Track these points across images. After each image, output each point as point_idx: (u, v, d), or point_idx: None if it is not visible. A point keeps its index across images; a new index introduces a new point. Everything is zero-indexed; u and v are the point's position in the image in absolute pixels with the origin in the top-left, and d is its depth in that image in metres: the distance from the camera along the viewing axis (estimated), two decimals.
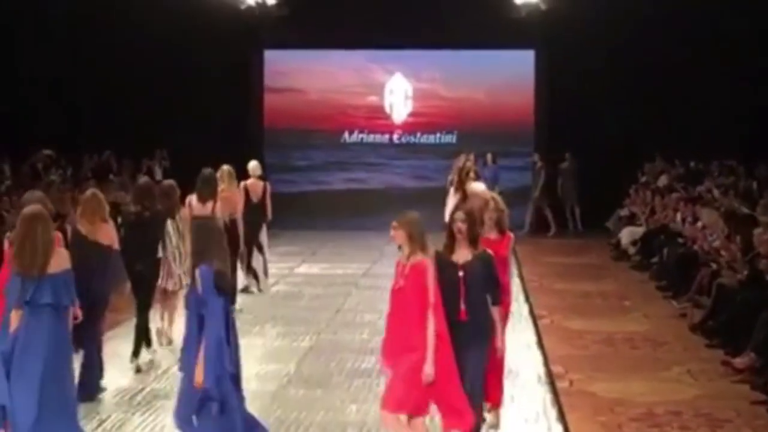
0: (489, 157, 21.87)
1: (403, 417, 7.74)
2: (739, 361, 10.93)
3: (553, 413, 9.73)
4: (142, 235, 11.21)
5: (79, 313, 9.34)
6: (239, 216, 14.16)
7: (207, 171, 13.62)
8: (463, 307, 7.98)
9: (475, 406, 8.10)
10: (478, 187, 10.58)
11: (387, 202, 24.02)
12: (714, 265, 14.11)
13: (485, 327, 8.09)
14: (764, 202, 15.81)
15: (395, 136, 25.34)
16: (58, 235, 9.25)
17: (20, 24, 23.58)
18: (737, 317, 11.82)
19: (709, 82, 22.78)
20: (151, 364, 11.36)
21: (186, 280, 12.06)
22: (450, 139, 25.02)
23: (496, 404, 9.18)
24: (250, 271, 15.73)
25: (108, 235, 10.07)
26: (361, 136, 25.39)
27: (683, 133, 22.74)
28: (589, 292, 16.25)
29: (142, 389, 10.43)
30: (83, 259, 9.66)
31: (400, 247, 7.87)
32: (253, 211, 15.16)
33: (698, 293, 14.13)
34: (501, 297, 8.29)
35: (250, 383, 10.69)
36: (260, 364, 11.53)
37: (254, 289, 15.77)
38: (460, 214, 8.22)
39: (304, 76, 25.32)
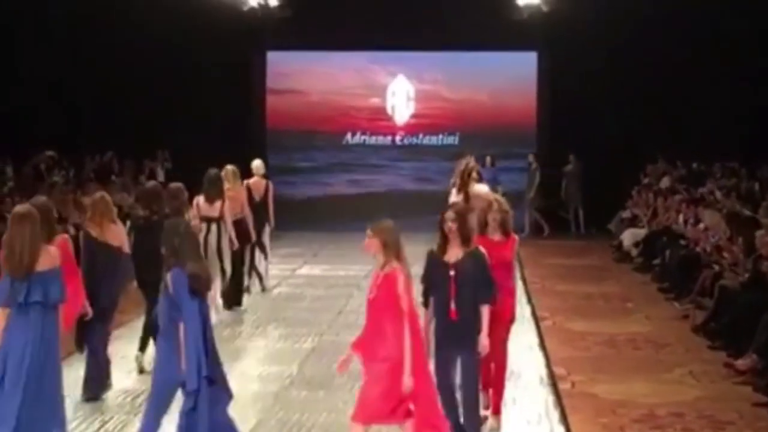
0: (488, 159, 21.81)
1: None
2: (741, 363, 10.92)
3: (555, 415, 9.73)
4: (150, 239, 11.07)
5: (89, 310, 9.43)
6: (247, 213, 14.46)
7: (213, 171, 13.82)
8: (453, 306, 7.96)
9: (470, 410, 8.07)
10: (481, 188, 10.53)
11: (389, 203, 24.01)
12: (716, 267, 14.10)
13: (475, 328, 8.03)
14: (766, 204, 15.80)
15: (397, 138, 25.34)
16: (65, 236, 9.32)
17: (21, 24, 23.57)
18: (739, 319, 11.81)
19: (711, 83, 22.78)
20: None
21: None
22: (452, 140, 25.02)
23: (497, 410, 9.16)
24: (252, 270, 15.79)
25: (117, 236, 10.18)
26: (363, 137, 25.39)
27: (685, 135, 22.74)
28: (591, 293, 16.24)
29: (145, 391, 10.40)
30: (93, 261, 9.92)
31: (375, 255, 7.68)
32: (256, 211, 15.21)
33: (700, 295, 14.12)
34: (495, 296, 8.18)
35: (252, 384, 10.75)
36: (262, 366, 11.54)
37: (256, 288, 15.83)
38: (450, 214, 8.15)
39: (307, 77, 25.33)
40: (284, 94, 25.42)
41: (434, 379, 7.83)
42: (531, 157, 23.89)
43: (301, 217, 23.28)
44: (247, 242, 14.65)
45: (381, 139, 25.38)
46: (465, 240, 8.08)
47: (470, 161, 16.18)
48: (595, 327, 13.61)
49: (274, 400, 10.12)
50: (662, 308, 14.97)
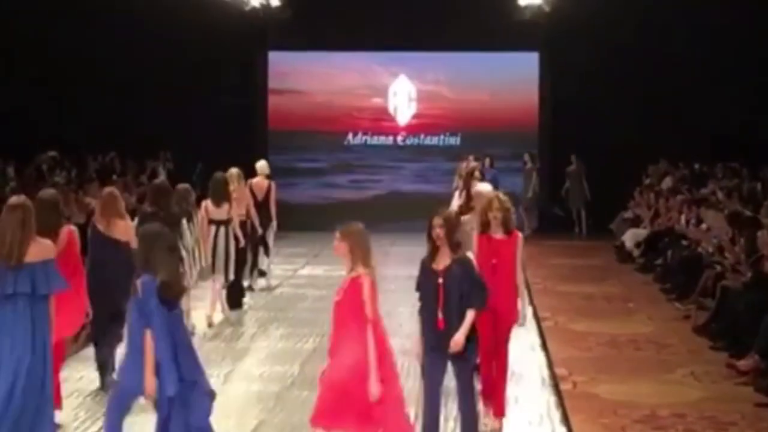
0: (487, 160, 21.70)
1: None
2: (743, 364, 10.92)
3: (556, 415, 9.73)
4: None
5: (90, 312, 9.43)
6: (252, 215, 14.81)
7: (218, 175, 14.03)
8: (440, 315, 7.81)
9: (467, 421, 8.00)
10: (483, 187, 10.47)
11: (390, 204, 24.06)
12: (718, 268, 14.09)
13: (467, 335, 7.85)
14: None
15: (399, 138, 25.35)
16: (72, 227, 9.33)
17: (21, 24, 23.55)
18: (741, 319, 11.81)
19: (712, 83, 22.78)
20: None
21: (195, 278, 12.63)
22: (454, 141, 25.02)
23: (500, 412, 9.09)
24: (255, 269, 15.88)
25: (124, 232, 10.28)
26: (365, 138, 25.39)
27: (687, 135, 22.73)
28: (593, 294, 16.24)
29: None
30: (99, 255, 10.09)
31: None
32: (258, 210, 15.37)
33: (702, 295, 14.11)
34: (484, 303, 7.98)
35: (253, 385, 10.77)
36: (264, 366, 11.55)
37: (259, 285, 15.91)
38: (437, 219, 7.94)
39: (308, 77, 25.32)
40: (286, 95, 25.43)
41: (401, 387, 7.75)
42: (527, 156, 23.83)
43: (303, 218, 23.26)
44: (251, 244, 14.90)
45: (383, 140, 25.38)
46: (453, 246, 7.89)
47: (471, 161, 16.21)
48: (596, 327, 13.61)
49: (276, 401, 10.12)
50: (664, 309, 14.96)
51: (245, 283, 15.21)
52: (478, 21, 23.22)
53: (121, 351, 11.45)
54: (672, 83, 23.03)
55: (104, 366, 10.30)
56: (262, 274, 16.35)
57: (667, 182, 21.73)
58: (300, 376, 11.10)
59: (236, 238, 13.86)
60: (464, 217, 10.25)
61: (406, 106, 25.24)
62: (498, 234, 8.91)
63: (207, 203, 13.68)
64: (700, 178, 21.44)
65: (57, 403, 9.04)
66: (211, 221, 13.56)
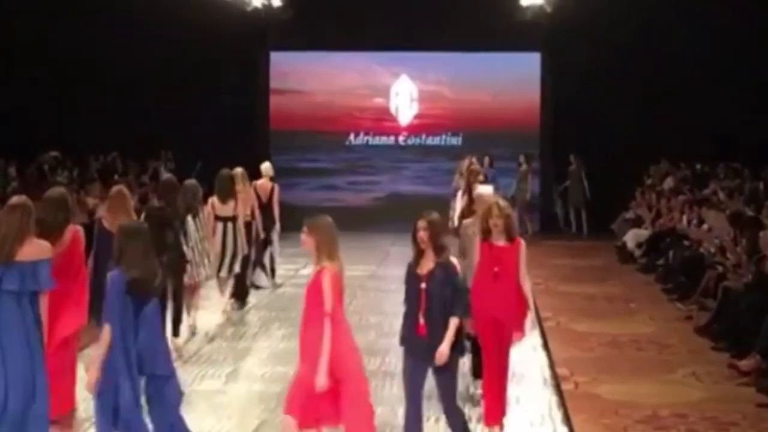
0: (486, 159, 21.59)
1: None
2: (744, 364, 10.91)
3: (558, 415, 9.73)
4: (163, 230, 11.62)
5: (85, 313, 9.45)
6: (256, 216, 14.91)
7: (224, 171, 14.19)
8: (421, 321, 7.72)
9: (456, 423, 7.93)
10: (485, 190, 10.40)
11: (392, 204, 24.05)
12: (720, 268, 14.09)
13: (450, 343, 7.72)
14: None
15: (401, 138, 25.36)
16: (77, 227, 9.43)
17: (21, 24, 23.55)
18: (743, 320, 11.81)
19: (713, 83, 22.79)
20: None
21: (204, 275, 12.76)
22: (455, 141, 25.03)
23: (498, 420, 8.93)
24: (259, 265, 15.97)
25: None
26: (366, 138, 25.40)
27: (689, 135, 22.73)
28: (595, 294, 16.24)
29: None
30: (104, 251, 10.02)
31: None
32: (262, 212, 15.47)
33: (704, 296, 14.11)
34: (466, 310, 7.86)
35: (255, 385, 10.77)
36: (266, 366, 11.55)
37: (263, 284, 15.95)
38: (422, 222, 7.82)
39: (310, 78, 25.34)
40: (287, 95, 25.44)
41: (367, 384, 7.66)
42: (522, 158, 23.74)
43: (305, 218, 23.13)
44: (254, 244, 15.05)
45: (384, 140, 25.39)
46: (437, 250, 7.77)
47: (474, 163, 16.18)
48: (598, 328, 13.60)
49: (277, 401, 10.09)
50: (666, 309, 14.96)
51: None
52: (480, 21, 23.22)
53: None
54: (672, 83, 23.04)
55: None
56: (264, 270, 16.37)
57: (668, 182, 21.72)
58: None
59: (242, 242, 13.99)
60: (466, 221, 10.21)
61: (407, 106, 25.25)
62: (500, 241, 8.78)
63: (213, 200, 13.83)
64: (702, 178, 21.43)
65: (68, 401, 9.10)
66: (217, 218, 13.72)
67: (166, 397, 7.49)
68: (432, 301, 7.70)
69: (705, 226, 16.34)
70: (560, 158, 24.08)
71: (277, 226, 16.18)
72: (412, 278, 7.85)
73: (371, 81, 25.33)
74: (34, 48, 23.53)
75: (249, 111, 24.89)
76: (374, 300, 15.24)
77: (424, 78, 25.22)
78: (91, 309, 9.52)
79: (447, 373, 7.83)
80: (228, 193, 13.86)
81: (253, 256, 15.40)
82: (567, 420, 9.52)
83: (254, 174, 15.97)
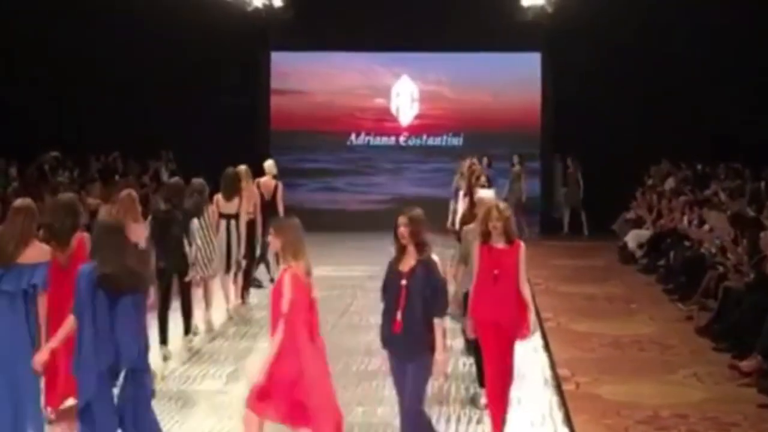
0: (485, 160, 21.47)
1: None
2: (745, 364, 10.91)
3: (559, 416, 9.73)
4: (168, 232, 11.93)
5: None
6: (257, 214, 15.00)
7: (230, 170, 14.41)
8: (398, 318, 7.68)
9: (410, 424, 7.81)
10: (485, 194, 10.38)
11: (393, 204, 24.01)
12: (721, 268, 14.08)
13: (423, 342, 7.68)
14: None
15: (402, 139, 25.35)
16: (84, 234, 9.48)
17: (21, 24, 23.53)
18: (744, 320, 11.81)
19: (713, 83, 22.78)
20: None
21: (212, 271, 13.04)
22: (456, 141, 25.03)
23: (499, 427, 8.81)
24: (262, 261, 16.20)
25: (136, 233, 10.60)
26: (367, 138, 25.40)
27: (688, 135, 22.72)
28: (596, 294, 16.23)
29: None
30: None
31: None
32: (266, 210, 15.54)
33: (705, 296, 14.11)
34: (445, 309, 7.82)
35: None
36: None
37: (266, 282, 16.09)
38: (402, 218, 7.82)
39: (311, 78, 25.33)
40: (288, 95, 25.43)
41: (330, 385, 7.67)
42: (516, 158, 23.62)
43: (305, 218, 23.05)
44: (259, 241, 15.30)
45: (385, 140, 25.39)
46: (419, 246, 7.75)
47: (475, 164, 16.16)
48: (599, 328, 13.60)
49: None
50: (667, 309, 14.95)
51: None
52: (480, 21, 23.21)
53: None
54: (672, 83, 23.03)
55: None
56: (268, 266, 16.46)
57: (669, 183, 21.71)
58: None
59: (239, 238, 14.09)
60: (467, 227, 10.16)
61: (408, 106, 25.25)
62: (499, 244, 8.70)
63: (218, 197, 14.03)
64: (703, 178, 21.42)
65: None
66: (221, 215, 13.87)
67: (141, 392, 7.52)
68: (412, 298, 7.68)
69: (706, 227, 16.33)
70: (562, 158, 24.11)
71: None
72: (393, 275, 7.83)
73: (372, 81, 25.33)
74: (34, 48, 23.51)
75: (249, 111, 24.89)
76: (374, 300, 15.08)
77: (425, 78, 25.22)
78: None
79: (419, 372, 7.74)
80: (233, 190, 14.06)
81: (258, 252, 15.57)
82: (568, 420, 9.52)
83: (256, 173, 16.02)
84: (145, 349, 7.70)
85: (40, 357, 7.55)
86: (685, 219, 17.74)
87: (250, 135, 24.30)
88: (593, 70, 23.05)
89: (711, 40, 22.60)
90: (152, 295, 11.17)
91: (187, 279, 12.36)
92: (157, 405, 9.87)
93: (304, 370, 7.44)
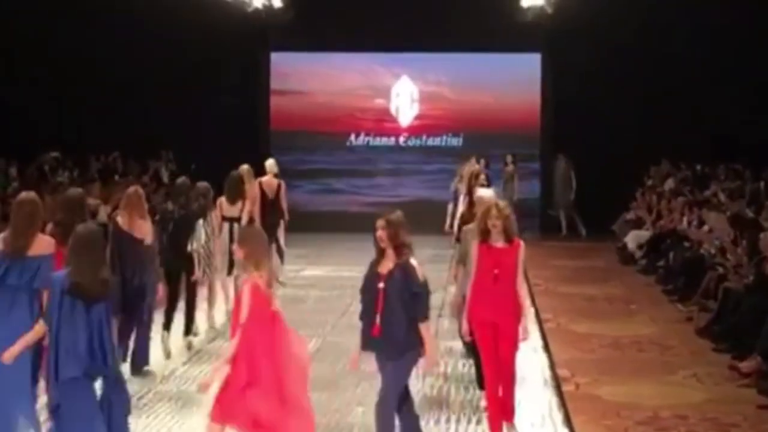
0: (482, 161, 21.40)
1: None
2: (745, 365, 10.92)
3: (559, 417, 9.72)
4: (176, 232, 12.12)
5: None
6: (256, 214, 15.16)
7: (234, 173, 14.57)
8: (377, 322, 7.62)
9: (376, 414, 7.78)
10: (485, 193, 10.33)
11: (392, 205, 23.96)
12: (720, 269, 14.09)
13: (404, 344, 7.63)
14: None
15: (401, 139, 25.35)
16: None
17: (21, 24, 23.53)
18: (744, 321, 11.82)
19: (713, 83, 22.78)
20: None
21: (211, 271, 13.21)
22: (456, 142, 25.03)
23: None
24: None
25: (142, 230, 10.86)
26: (367, 139, 25.39)
27: (688, 135, 22.72)
28: (595, 295, 16.23)
29: (149, 391, 10.44)
30: (117, 250, 10.61)
31: None
32: (269, 209, 15.71)
33: (705, 297, 14.11)
34: (427, 312, 7.74)
35: None
36: None
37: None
38: (380, 221, 7.79)
39: (310, 78, 25.33)
40: (288, 95, 25.43)
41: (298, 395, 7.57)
42: (509, 158, 23.50)
43: (305, 219, 23.22)
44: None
45: (385, 141, 25.38)
46: (397, 249, 7.68)
47: (475, 164, 16.13)
48: (599, 329, 13.60)
49: None
50: (666, 310, 14.95)
51: None
52: (481, 22, 23.20)
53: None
54: (672, 83, 23.03)
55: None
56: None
57: (669, 183, 21.71)
58: None
59: None
60: (467, 227, 10.12)
61: (408, 107, 25.24)
62: (499, 243, 8.61)
63: (221, 200, 14.09)
64: (702, 179, 21.42)
65: None
66: (224, 218, 13.96)
67: (116, 397, 7.52)
68: (389, 301, 7.63)
69: (705, 228, 16.33)
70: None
71: (282, 228, 16.32)
72: (371, 277, 7.79)
73: (372, 82, 25.32)
74: (34, 48, 23.51)
75: (249, 111, 24.89)
76: None
77: (425, 79, 25.21)
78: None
79: (397, 370, 7.69)
80: (237, 194, 14.15)
81: None
82: (568, 421, 9.51)
83: (256, 174, 16.05)
84: (117, 355, 7.69)
85: (10, 353, 7.51)
86: (685, 220, 17.74)
87: (250, 135, 24.30)
88: (593, 71, 23.05)
89: (711, 40, 22.60)
90: (161, 290, 11.47)
91: (193, 279, 12.38)
92: (157, 405, 9.93)
93: (261, 379, 7.34)
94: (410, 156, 25.35)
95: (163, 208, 12.67)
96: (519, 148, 24.16)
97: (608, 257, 20.31)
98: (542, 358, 11.95)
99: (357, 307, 14.77)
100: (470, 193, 11.74)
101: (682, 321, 14.05)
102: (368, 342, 7.76)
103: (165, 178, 22.76)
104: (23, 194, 8.39)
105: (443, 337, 12.78)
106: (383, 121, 25.31)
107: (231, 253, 13.93)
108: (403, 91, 25.18)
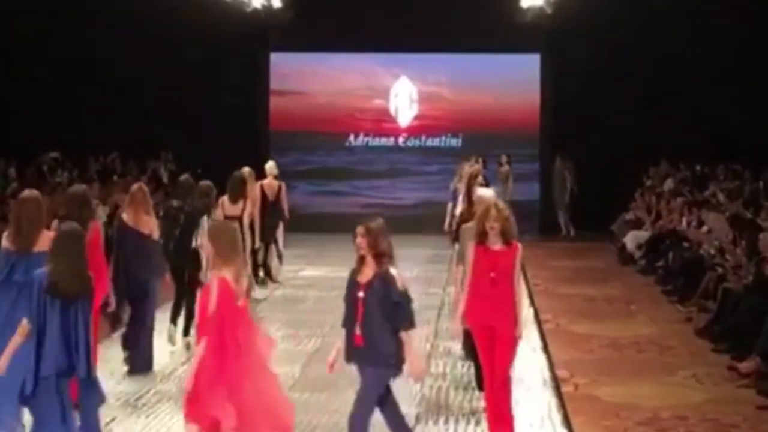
0: (480, 162, 21.34)
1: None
2: (745, 366, 10.92)
3: (558, 417, 9.72)
4: (180, 229, 12.21)
5: (113, 302, 10.15)
6: (256, 215, 15.13)
7: (237, 174, 14.69)
8: (358, 331, 7.52)
9: (354, 425, 7.69)
10: (484, 193, 10.26)
11: (392, 204, 24.01)
12: (720, 270, 14.09)
13: (384, 354, 7.53)
14: None
15: (401, 140, 25.34)
16: (98, 223, 9.92)
17: (21, 24, 23.53)
18: (743, 321, 11.81)
19: (713, 83, 22.79)
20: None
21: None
22: (455, 142, 25.03)
23: None
24: (265, 267, 16.25)
25: (148, 226, 11.03)
26: (366, 139, 25.39)
27: (688, 135, 22.72)
28: (595, 296, 16.22)
29: (148, 391, 10.44)
30: (122, 245, 10.88)
31: None
32: (270, 211, 15.79)
33: (704, 297, 14.11)
34: (411, 320, 7.60)
35: None
36: None
37: (269, 283, 16.26)
38: (360, 228, 7.70)
39: (310, 79, 25.33)
40: (287, 96, 25.43)
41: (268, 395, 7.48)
42: (504, 158, 23.46)
43: (304, 219, 23.24)
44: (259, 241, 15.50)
45: (384, 141, 25.38)
46: (377, 258, 7.60)
47: (475, 164, 16.11)
48: (598, 329, 13.60)
49: None
50: (666, 311, 14.95)
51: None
52: (480, 23, 23.21)
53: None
54: (672, 83, 23.04)
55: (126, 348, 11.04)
56: (268, 273, 16.50)
57: (668, 184, 21.71)
58: (301, 377, 11.09)
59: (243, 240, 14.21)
60: (466, 225, 10.08)
61: (407, 107, 25.23)
62: (497, 245, 8.46)
63: (223, 199, 14.24)
64: (702, 179, 21.42)
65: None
66: (226, 217, 13.98)
67: (87, 398, 7.59)
68: (369, 311, 7.52)
69: (705, 228, 16.33)
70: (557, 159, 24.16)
71: (282, 229, 16.45)
72: (352, 286, 7.70)
73: (371, 82, 25.32)
74: (34, 48, 23.52)
75: (249, 112, 24.89)
76: None
77: (424, 79, 25.21)
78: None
79: (372, 378, 7.62)
80: (239, 193, 14.29)
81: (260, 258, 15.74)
82: (567, 422, 9.51)
83: (257, 174, 16.08)
84: (91, 356, 7.64)
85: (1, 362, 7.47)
86: (684, 220, 17.74)
87: (250, 136, 24.31)
88: (593, 71, 23.05)
89: (711, 40, 22.60)
90: (167, 277, 11.72)
91: (201, 277, 12.42)
92: (157, 405, 9.94)
93: (230, 374, 7.28)
94: (409, 156, 25.34)
95: (168, 204, 12.82)
96: (518, 149, 24.18)
97: (607, 258, 20.31)
98: (541, 359, 11.94)
99: None
100: (469, 192, 11.70)
101: (681, 321, 14.05)
102: (351, 353, 7.66)
103: (164, 179, 22.76)
104: (26, 192, 8.50)
105: (443, 337, 12.79)
106: (382, 122, 25.31)
107: None
108: (403, 91, 25.18)
